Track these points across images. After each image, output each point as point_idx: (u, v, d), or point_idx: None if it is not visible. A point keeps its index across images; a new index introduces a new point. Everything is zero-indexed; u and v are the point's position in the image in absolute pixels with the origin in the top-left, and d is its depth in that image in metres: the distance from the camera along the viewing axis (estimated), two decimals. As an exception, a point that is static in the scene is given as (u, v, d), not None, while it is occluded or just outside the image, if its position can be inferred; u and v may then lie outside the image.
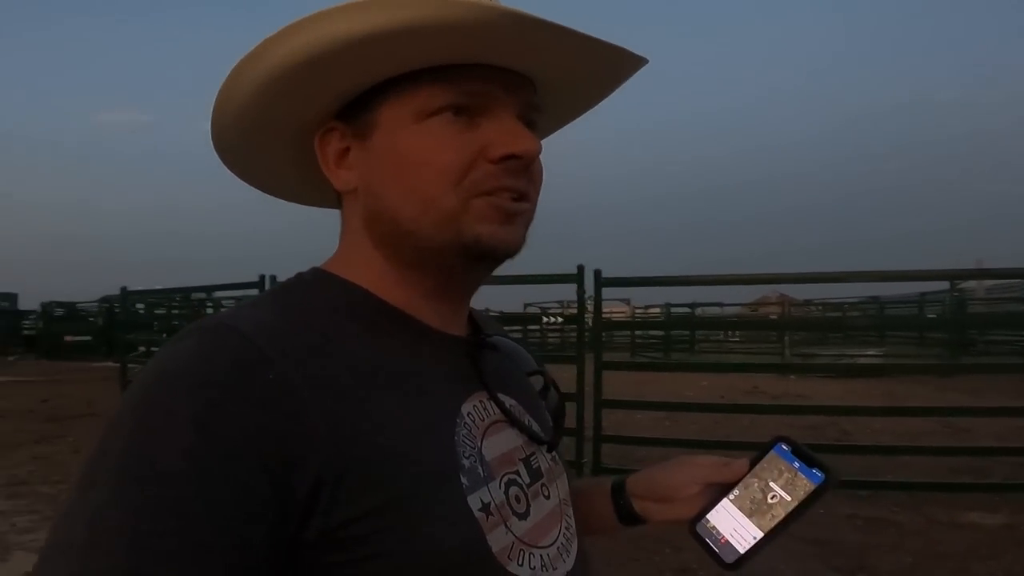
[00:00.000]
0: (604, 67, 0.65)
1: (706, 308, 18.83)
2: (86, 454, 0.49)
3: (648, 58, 0.65)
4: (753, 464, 0.71)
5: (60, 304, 21.58)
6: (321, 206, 0.75)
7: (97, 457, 0.47)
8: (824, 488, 0.66)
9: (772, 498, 0.68)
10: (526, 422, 0.69)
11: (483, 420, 0.63)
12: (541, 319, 10.32)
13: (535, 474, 0.66)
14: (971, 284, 16.45)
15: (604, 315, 6.48)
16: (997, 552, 3.88)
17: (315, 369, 0.53)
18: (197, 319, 0.60)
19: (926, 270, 6.49)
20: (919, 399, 8.20)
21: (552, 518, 0.66)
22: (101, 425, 0.50)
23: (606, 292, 6.07)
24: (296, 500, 0.48)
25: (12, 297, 24.69)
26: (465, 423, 0.61)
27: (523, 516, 0.62)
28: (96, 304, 20.41)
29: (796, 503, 0.66)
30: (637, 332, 18.05)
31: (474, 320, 0.73)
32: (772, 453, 0.71)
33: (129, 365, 10.36)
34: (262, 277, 7.24)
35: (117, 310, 16.19)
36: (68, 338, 19.67)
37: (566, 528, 0.68)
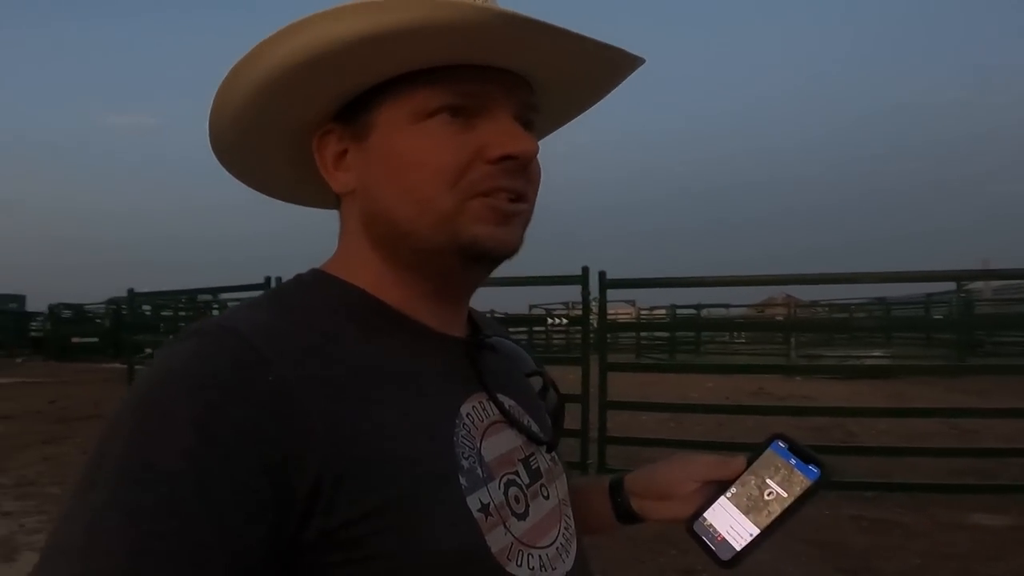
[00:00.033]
0: (601, 67, 0.65)
1: (712, 309, 18.79)
2: (87, 456, 0.49)
3: (645, 58, 0.65)
4: (750, 462, 0.71)
5: (67, 306, 21.66)
6: (320, 207, 0.75)
7: (97, 459, 0.47)
8: (820, 484, 0.66)
9: (768, 495, 0.68)
10: (525, 423, 0.69)
11: (482, 421, 0.63)
12: (546, 320, 10.32)
13: (534, 474, 0.67)
14: (978, 285, 16.37)
15: (609, 316, 6.48)
16: (1003, 553, 3.86)
17: (314, 370, 0.53)
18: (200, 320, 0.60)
19: (932, 271, 6.44)
20: (926, 400, 8.16)
21: (551, 518, 0.66)
22: (101, 426, 0.50)
23: (611, 293, 6.08)
24: (296, 501, 0.48)
25: (20, 299, 24.87)
26: (464, 424, 0.61)
27: (522, 517, 0.62)
28: (103, 306, 20.47)
29: (792, 499, 0.66)
30: (642, 333, 18.02)
31: (473, 321, 0.73)
32: (769, 450, 0.71)
33: (136, 366, 10.41)
34: (267, 279, 7.26)
35: (124, 312, 16.21)
36: (75, 339, 19.73)
37: (565, 528, 0.68)
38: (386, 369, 0.58)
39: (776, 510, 0.66)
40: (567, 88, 0.67)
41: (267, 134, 0.66)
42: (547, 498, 0.67)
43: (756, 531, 0.66)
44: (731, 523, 0.68)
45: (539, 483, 0.67)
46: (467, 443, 0.60)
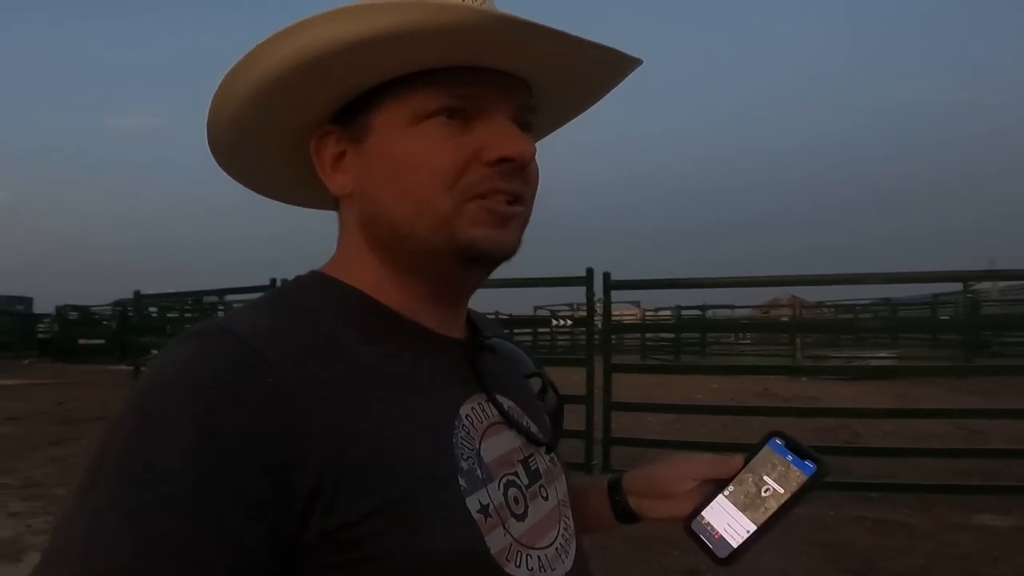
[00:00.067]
0: (598, 68, 0.65)
1: (717, 310, 18.75)
2: (88, 457, 0.49)
3: (642, 59, 0.65)
4: (748, 460, 0.71)
5: (74, 308, 21.76)
6: (319, 208, 0.75)
7: (98, 460, 0.48)
8: (816, 478, 0.66)
9: (765, 491, 0.68)
10: (524, 424, 0.69)
11: (482, 422, 0.63)
12: (551, 322, 10.33)
13: (533, 475, 0.67)
14: (984, 285, 16.30)
15: (614, 317, 6.48)
16: (1008, 554, 3.84)
17: (314, 371, 0.53)
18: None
19: (939, 271, 6.41)
20: (932, 401, 8.14)
21: (550, 519, 0.66)
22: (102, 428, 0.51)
23: (616, 294, 6.06)
24: (296, 501, 0.48)
25: (27, 301, 25.01)
26: (463, 425, 0.61)
27: (521, 517, 0.62)
28: (110, 308, 20.54)
29: (788, 495, 0.66)
30: (647, 334, 17.99)
31: (472, 322, 0.73)
32: (767, 448, 0.71)
33: (142, 368, 10.44)
34: (273, 280, 7.27)
35: (130, 314, 16.30)
36: (82, 341, 19.81)
37: (564, 529, 0.68)
38: (386, 370, 0.59)
39: (773, 506, 0.66)
40: (565, 89, 0.67)
41: (265, 135, 0.66)
42: (546, 499, 0.67)
43: (753, 528, 0.66)
44: (728, 521, 0.68)
45: (538, 484, 0.67)
46: (466, 444, 0.60)
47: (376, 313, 0.63)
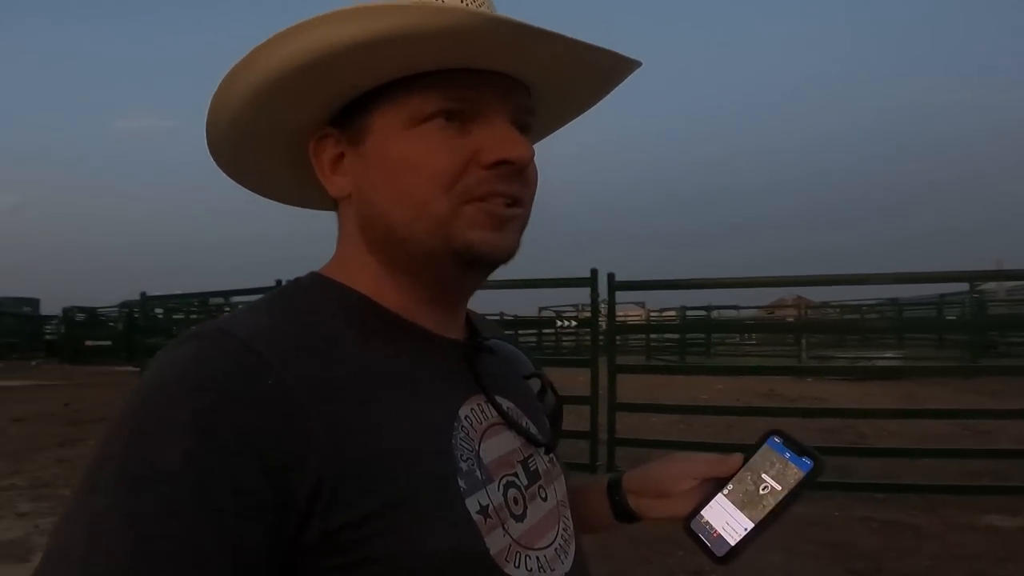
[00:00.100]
0: (597, 70, 0.65)
1: (722, 311, 18.72)
2: (88, 458, 0.49)
3: (641, 61, 0.64)
4: (747, 458, 0.71)
5: (81, 309, 21.84)
6: (318, 208, 0.75)
7: (98, 461, 0.47)
8: (812, 475, 0.67)
9: (764, 489, 0.68)
10: (523, 424, 0.69)
11: (481, 423, 0.63)
12: (556, 323, 10.32)
13: (533, 476, 0.67)
14: (991, 285, 16.20)
15: (619, 318, 6.48)
16: (1016, 555, 3.82)
17: (313, 372, 0.53)
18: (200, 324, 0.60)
19: (945, 272, 6.35)
20: (938, 401, 8.11)
21: (549, 520, 0.66)
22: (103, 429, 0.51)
23: (621, 295, 6.05)
24: (296, 502, 0.48)
25: (34, 302, 25.13)
26: (463, 426, 0.61)
27: (520, 518, 0.62)
28: (116, 309, 20.63)
29: (786, 492, 0.67)
30: (652, 335, 17.97)
31: (471, 323, 0.73)
32: (765, 446, 0.71)
33: (148, 369, 10.45)
34: (278, 282, 7.29)
35: (137, 315, 16.34)
36: (89, 343, 19.87)
37: (564, 529, 0.68)
38: (385, 372, 0.59)
39: (771, 504, 0.67)
40: (564, 91, 0.67)
41: (264, 137, 0.66)
42: (545, 499, 0.67)
43: (750, 525, 0.66)
44: (727, 519, 0.68)
45: (537, 484, 0.67)
46: (465, 445, 0.60)
47: (375, 314, 0.63)
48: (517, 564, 0.58)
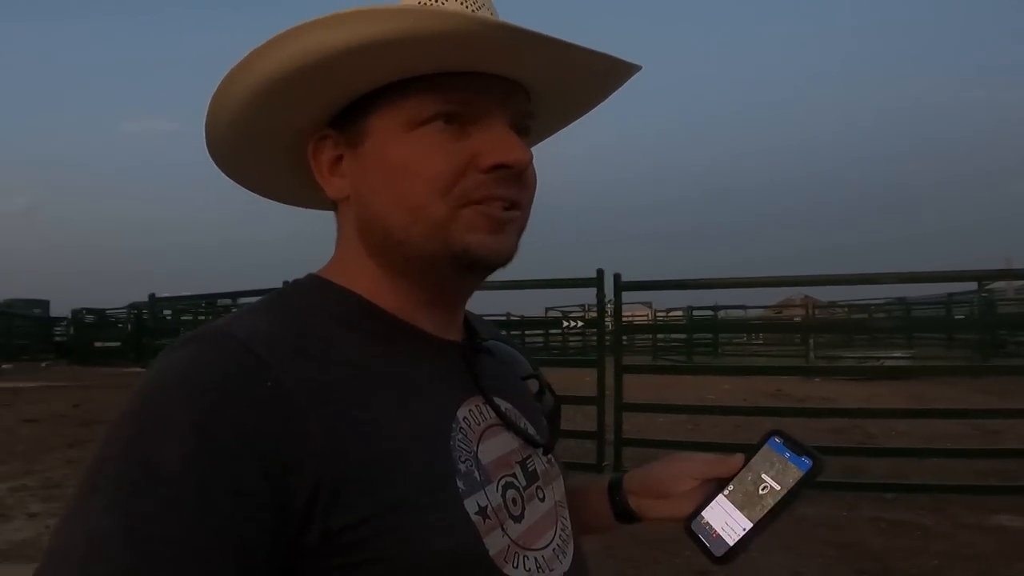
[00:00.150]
0: (596, 74, 0.65)
1: (729, 311, 18.68)
2: (88, 460, 0.49)
3: (641, 65, 0.64)
4: (748, 459, 0.71)
5: (90, 311, 21.92)
6: (318, 209, 0.75)
7: (97, 463, 0.47)
8: (811, 474, 0.67)
9: (763, 489, 0.68)
10: (522, 425, 0.69)
11: (479, 424, 0.63)
12: (562, 323, 10.32)
13: (531, 477, 0.67)
14: (1000, 284, 16.12)
15: (625, 318, 6.47)
16: (1025, 556, 3.82)
17: (312, 374, 0.53)
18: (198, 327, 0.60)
19: (954, 271, 6.33)
20: (947, 401, 8.07)
21: (547, 520, 0.66)
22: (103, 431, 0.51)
23: (628, 295, 6.05)
24: (295, 504, 0.48)
25: (44, 304, 25.29)
26: (461, 427, 0.61)
27: (518, 519, 0.62)
28: (125, 311, 20.70)
29: (785, 491, 0.67)
30: (659, 335, 17.94)
31: (469, 324, 0.73)
32: (766, 447, 0.71)
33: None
34: (285, 283, 7.30)
35: (145, 316, 16.43)
36: (98, 344, 19.94)
37: (562, 530, 0.68)
38: (383, 373, 0.59)
39: (770, 503, 0.67)
40: (563, 94, 0.67)
41: (263, 139, 0.66)
42: (543, 500, 0.67)
43: (749, 525, 0.66)
44: (727, 519, 0.68)
45: (535, 485, 0.67)
46: (464, 446, 0.60)
47: (373, 316, 0.63)
48: (516, 564, 0.59)
